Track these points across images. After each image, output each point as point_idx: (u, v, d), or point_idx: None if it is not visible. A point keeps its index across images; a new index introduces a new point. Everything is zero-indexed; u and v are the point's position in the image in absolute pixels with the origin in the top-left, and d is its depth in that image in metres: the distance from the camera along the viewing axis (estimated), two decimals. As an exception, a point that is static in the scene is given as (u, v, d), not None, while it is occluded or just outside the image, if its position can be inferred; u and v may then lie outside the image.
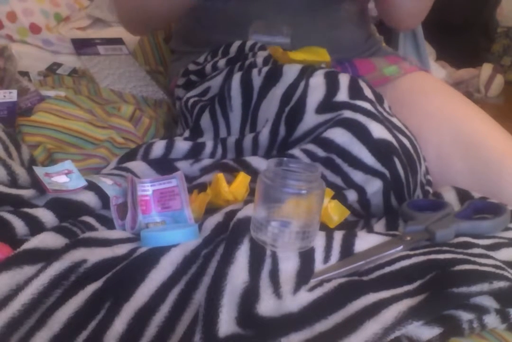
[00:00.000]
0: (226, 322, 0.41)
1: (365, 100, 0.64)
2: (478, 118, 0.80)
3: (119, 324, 0.42)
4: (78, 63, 1.09)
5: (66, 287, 0.45)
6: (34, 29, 1.12)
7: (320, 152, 0.61)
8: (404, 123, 0.69)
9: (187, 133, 0.75)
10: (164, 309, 0.44)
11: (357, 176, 0.60)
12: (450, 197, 0.64)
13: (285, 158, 0.50)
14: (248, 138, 0.68)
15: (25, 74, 0.98)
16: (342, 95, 0.64)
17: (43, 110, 0.76)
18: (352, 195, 0.60)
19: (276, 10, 0.86)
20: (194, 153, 0.69)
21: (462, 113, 0.81)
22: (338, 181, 0.61)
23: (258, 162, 0.63)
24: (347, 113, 0.61)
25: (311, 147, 0.62)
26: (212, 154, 0.70)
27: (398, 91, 0.86)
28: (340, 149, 0.60)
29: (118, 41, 1.16)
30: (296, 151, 0.62)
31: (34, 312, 0.43)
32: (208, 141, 0.71)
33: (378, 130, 0.60)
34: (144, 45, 1.16)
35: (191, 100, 0.79)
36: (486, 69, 2.34)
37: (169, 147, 0.69)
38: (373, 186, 0.60)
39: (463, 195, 0.63)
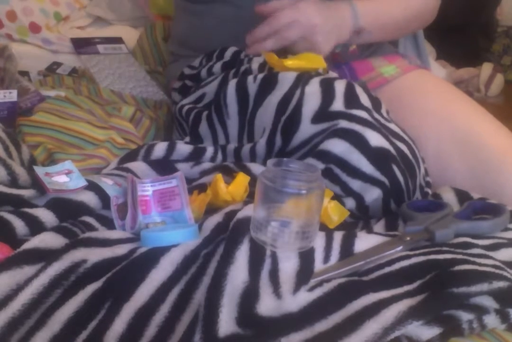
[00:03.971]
0: (226, 322, 0.41)
1: (361, 109, 0.63)
2: (478, 117, 0.80)
3: (119, 324, 0.42)
4: (78, 63, 1.09)
5: (66, 287, 0.45)
6: (34, 28, 1.12)
7: (319, 165, 0.61)
8: (404, 123, 0.69)
9: (187, 139, 0.76)
10: (164, 309, 0.44)
11: (356, 184, 0.60)
12: (449, 197, 0.64)
13: (284, 159, 0.50)
14: (246, 148, 0.68)
15: (25, 74, 0.99)
16: (338, 104, 0.63)
17: (43, 110, 0.76)
18: (350, 203, 0.60)
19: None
20: (195, 156, 0.69)
21: (461, 111, 0.81)
22: (337, 190, 0.61)
23: (257, 169, 0.64)
24: (343, 123, 0.61)
25: (311, 162, 0.61)
26: (213, 159, 0.70)
27: (398, 91, 0.86)
28: (338, 159, 0.60)
29: (118, 40, 1.16)
30: None
31: (34, 312, 0.43)
32: (209, 146, 0.71)
33: (375, 139, 0.60)
34: (143, 45, 1.16)
35: (185, 108, 0.78)
36: (486, 68, 2.34)
37: (171, 149, 0.69)
38: (372, 194, 0.60)
39: (462, 196, 0.63)
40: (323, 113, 0.63)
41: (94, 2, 1.25)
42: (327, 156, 0.61)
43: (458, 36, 2.35)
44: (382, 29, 0.86)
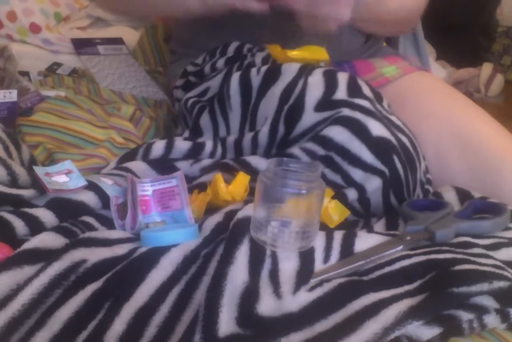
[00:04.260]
0: (226, 322, 0.41)
1: (363, 98, 0.64)
2: (477, 118, 0.80)
3: (119, 324, 0.42)
4: (78, 63, 1.09)
5: (66, 287, 0.45)
6: (34, 28, 1.12)
7: (320, 151, 0.61)
8: (404, 122, 0.69)
9: (186, 133, 0.76)
10: (164, 309, 0.44)
11: (357, 174, 0.60)
12: (450, 196, 0.64)
13: (285, 158, 0.50)
14: (248, 137, 0.68)
15: (25, 74, 0.98)
16: (341, 93, 0.64)
17: (43, 110, 0.76)
18: (352, 194, 0.60)
19: (274, 17, 0.85)
20: (194, 153, 0.69)
21: (461, 112, 0.81)
22: (338, 179, 0.61)
23: (257, 161, 0.64)
24: (346, 111, 0.62)
25: (311, 145, 0.62)
26: (212, 154, 0.70)
27: (398, 92, 0.86)
28: (339, 147, 0.60)
29: (118, 41, 1.16)
30: (295, 150, 0.62)
31: (34, 312, 0.43)
32: (207, 141, 0.71)
33: (376, 128, 0.61)
34: (144, 45, 1.16)
35: (190, 101, 0.79)
36: (486, 68, 2.34)
37: (169, 147, 0.69)
38: (373, 184, 0.60)
39: (463, 195, 0.64)
40: (326, 102, 0.64)
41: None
42: (328, 143, 0.61)
43: (458, 36, 2.34)
44: (375, 20, 0.86)
